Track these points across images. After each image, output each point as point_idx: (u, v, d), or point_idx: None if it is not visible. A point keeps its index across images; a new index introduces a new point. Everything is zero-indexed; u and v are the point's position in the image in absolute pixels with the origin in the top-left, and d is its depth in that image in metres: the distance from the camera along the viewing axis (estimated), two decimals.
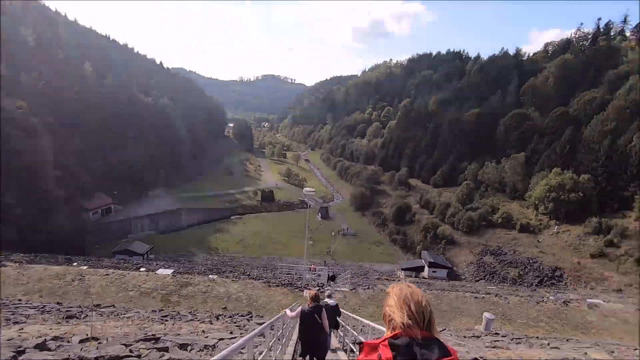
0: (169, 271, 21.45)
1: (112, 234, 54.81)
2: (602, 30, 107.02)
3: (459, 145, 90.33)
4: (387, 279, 38.81)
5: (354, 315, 9.26)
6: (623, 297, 32.66)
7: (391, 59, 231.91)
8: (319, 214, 73.75)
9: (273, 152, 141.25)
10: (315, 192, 35.27)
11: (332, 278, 26.75)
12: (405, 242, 59.72)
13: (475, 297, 21.83)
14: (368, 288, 20.31)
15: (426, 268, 48.16)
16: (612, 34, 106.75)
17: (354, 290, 18.98)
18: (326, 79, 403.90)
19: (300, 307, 7.05)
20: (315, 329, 6.68)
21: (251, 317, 13.25)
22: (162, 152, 78.72)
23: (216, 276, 20.15)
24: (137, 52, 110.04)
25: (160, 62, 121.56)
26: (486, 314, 16.07)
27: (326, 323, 6.79)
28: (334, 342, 11.13)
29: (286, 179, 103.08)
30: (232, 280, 19.31)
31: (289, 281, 19.37)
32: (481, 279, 44.93)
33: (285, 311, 8.07)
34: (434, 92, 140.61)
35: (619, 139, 56.50)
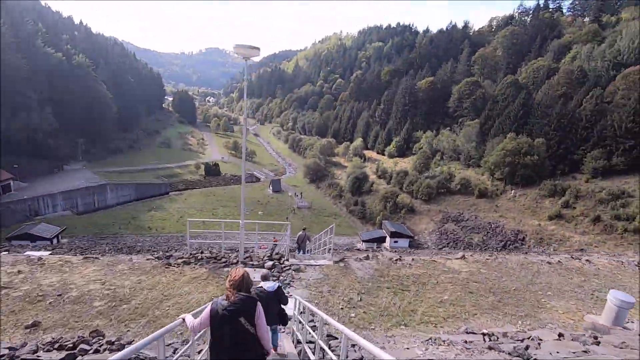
0: (46, 253, 14.59)
1: (12, 216, 44.33)
2: (541, 6, 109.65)
3: (413, 114, 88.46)
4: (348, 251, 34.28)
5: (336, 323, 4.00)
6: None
7: (341, 31, 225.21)
8: (270, 187, 67.70)
9: (219, 125, 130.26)
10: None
11: (302, 241, 20.07)
12: (364, 212, 56.19)
13: (549, 263, 14.26)
14: (365, 258, 11.48)
15: (388, 238, 44.86)
16: (550, 9, 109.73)
17: (340, 264, 10.64)
18: (275, 53, 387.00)
19: (211, 303, 3.46)
20: (239, 346, 3.32)
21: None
22: (81, 119, 66.41)
23: (81, 257, 11.36)
24: (44, 4, 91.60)
25: (81, 21, 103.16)
26: (616, 294, 8.48)
27: (263, 332, 3.45)
28: (287, 345, 6.47)
29: (233, 152, 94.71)
30: (94, 261, 10.73)
31: (213, 255, 10.85)
32: (444, 246, 42.69)
33: (184, 318, 4.03)
34: (385, 64, 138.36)
35: (569, 103, 56.96)
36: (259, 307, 3.47)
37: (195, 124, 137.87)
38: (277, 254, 11.71)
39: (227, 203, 58.36)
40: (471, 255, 14.02)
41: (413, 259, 12.45)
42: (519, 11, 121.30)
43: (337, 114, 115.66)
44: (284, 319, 5.92)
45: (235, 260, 10.67)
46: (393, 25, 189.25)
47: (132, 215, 50.16)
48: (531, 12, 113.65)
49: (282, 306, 5.84)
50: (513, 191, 52.01)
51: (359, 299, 9.31)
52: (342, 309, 8.73)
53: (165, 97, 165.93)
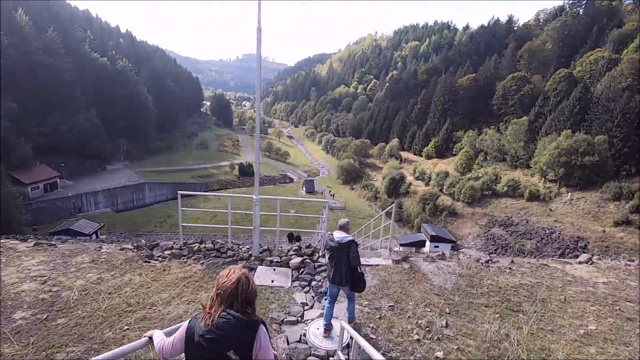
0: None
1: (57, 212, 46.19)
2: None
3: (453, 113, 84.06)
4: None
5: None
6: None
7: (376, 32, 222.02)
8: (304, 188, 66.48)
9: (253, 128, 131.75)
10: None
11: (296, 238, 19.64)
12: (401, 215, 53.31)
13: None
14: (440, 258, 8.36)
15: (427, 243, 41.74)
16: None
17: (404, 264, 7.46)
18: (309, 57, 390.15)
19: (189, 320, 2.24)
20: None
21: None
22: (124, 121, 68.99)
23: (31, 244, 7.75)
24: (94, 15, 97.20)
25: (127, 30, 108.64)
26: None
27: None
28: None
29: (267, 153, 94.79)
30: (47, 249, 7.48)
31: (217, 247, 7.90)
32: (492, 252, 38.96)
33: (151, 335, 2.60)
34: (423, 64, 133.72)
35: (636, 97, 50.80)
36: (262, 333, 2.09)
37: (232, 126, 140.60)
38: (308, 247, 8.23)
39: (261, 203, 57.67)
40: (599, 258, 10.00)
41: (513, 261, 8.09)
42: (570, 2, 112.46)
43: (371, 115, 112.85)
44: (357, 283, 4.71)
45: (247, 254, 7.42)
46: (430, 23, 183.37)
47: (168, 214, 50.76)
48: (584, 1, 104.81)
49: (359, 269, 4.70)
50: (570, 194, 46.96)
51: (444, 323, 5.40)
52: (417, 340, 4.97)
53: (204, 102, 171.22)
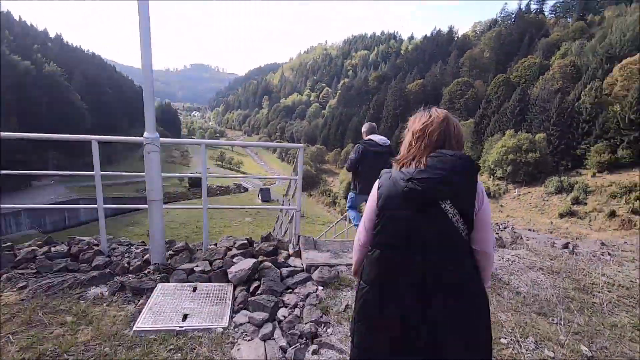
0: None
1: None
2: (523, 9, 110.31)
3: (403, 118, 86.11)
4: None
5: None
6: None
7: (326, 41, 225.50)
8: (259, 196, 63.70)
9: (204, 138, 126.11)
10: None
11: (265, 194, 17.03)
12: None
13: None
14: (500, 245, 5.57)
15: None
16: (533, 11, 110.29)
17: None
18: (260, 66, 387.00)
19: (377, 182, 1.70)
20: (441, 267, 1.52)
21: None
22: (52, 131, 61.50)
23: None
24: (16, 16, 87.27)
25: (57, 34, 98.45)
26: None
27: (488, 236, 1.61)
28: None
29: (219, 163, 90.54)
30: None
31: (75, 252, 4.07)
32: None
33: None
34: (372, 71, 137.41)
35: (567, 98, 55.12)
36: (482, 187, 1.58)
37: (180, 136, 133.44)
38: (267, 239, 4.70)
39: (212, 215, 53.95)
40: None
41: (604, 244, 5.68)
42: (502, 15, 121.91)
43: (325, 121, 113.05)
44: None
45: (138, 262, 3.91)
46: (378, 33, 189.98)
47: (107, 232, 45.31)
48: (514, 15, 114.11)
49: None
50: (517, 190, 49.25)
51: None
52: None
53: None
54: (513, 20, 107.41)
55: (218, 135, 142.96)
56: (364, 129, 5.14)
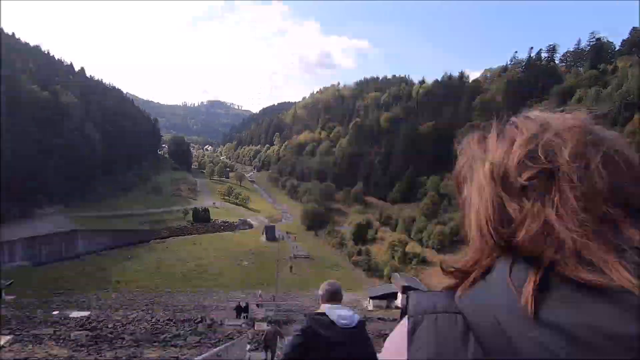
0: None
1: None
2: (533, 57, 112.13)
3: (415, 159, 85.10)
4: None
5: None
6: None
7: (339, 82, 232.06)
8: (264, 235, 61.34)
9: (213, 171, 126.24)
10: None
11: (244, 309, 16.08)
12: (368, 263, 49.52)
13: None
14: None
15: (399, 295, 37.94)
16: (543, 59, 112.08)
17: None
18: (273, 104, 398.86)
19: None
20: None
21: None
22: (61, 160, 61.76)
23: None
24: (44, 49, 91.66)
25: (82, 68, 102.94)
26: None
27: None
28: None
29: (226, 197, 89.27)
30: None
31: None
32: None
33: None
34: (384, 112, 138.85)
35: None
36: None
37: (190, 169, 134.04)
38: None
39: (213, 252, 51.66)
40: None
41: None
42: (513, 62, 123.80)
43: (336, 160, 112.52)
44: None
45: None
46: (389, 77, 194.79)
47: (101, 267, 43.25)
48: (524, 63, 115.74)
49: None
50: None
51: None
52: None
53: (163, 145, 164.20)
54: (524, 67, 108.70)
55: (228, 169, 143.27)
56: (321, 290, 2.66)
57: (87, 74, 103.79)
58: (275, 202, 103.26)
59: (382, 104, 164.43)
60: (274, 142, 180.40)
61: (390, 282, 41.92)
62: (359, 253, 52.33)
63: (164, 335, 14.68)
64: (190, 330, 15.14)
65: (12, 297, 32.76)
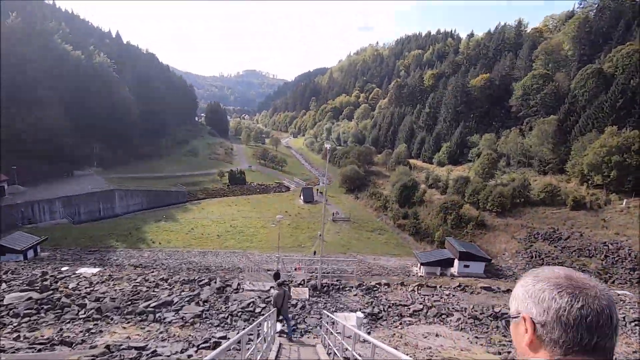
0: None
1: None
2: None
3: (466, 117, 76.68)
4: (401, 283, 23.45)
5: None
6: None
7: (377, 42, 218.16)
8: (301, 197, 58.12)
9: (249, 136, 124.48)
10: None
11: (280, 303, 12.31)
12: (416, 227, 44.69)
13: None
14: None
15: (456, 262, 33.18)
16: None
17: None
18: (309, 71, 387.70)
19: None
20: None
21: None
22: (101, 123, 61.26)
23: None
24: (78, 14, 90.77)
25: (117, 32, 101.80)
26: None
27: None
28: None
29: (262, 161, 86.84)
30: None
31: None
32: None
33: None
34: (427, 71, 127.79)
35: None
36: None
37: (227, 136, 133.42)
38: None
39: (249, 214, 49.27)
40: None
41: None
42: (582, 6, 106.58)
43: (375, 122, 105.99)
44: None
45: None
46: (433, 32, 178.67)
47: (136, 226, 42.21)
48: (596, 4, 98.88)
49: None
50: (625, 201, 38.53)
51: None
52: None
53: (201, 115, 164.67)
54: (596, 9, 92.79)
55: (264, 136, 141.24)
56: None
57: (124, 41, 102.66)
58: (312, 166, 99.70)
59: (425, 62, 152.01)
60: (310, 107, 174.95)
61: (443, 248, 37.12)
62: (405, 216, 47.52)
63: (145, 303, 11.56)
64: (188, 298, 11.98)
65: (46, 253, 32.07)
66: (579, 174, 45.14)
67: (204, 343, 8.57)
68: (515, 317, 1.02)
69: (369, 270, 31.66)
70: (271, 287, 13.10)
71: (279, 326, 10.29)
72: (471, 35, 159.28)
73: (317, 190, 64.86)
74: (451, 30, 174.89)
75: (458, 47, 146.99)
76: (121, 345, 7.91)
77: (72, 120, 55.75)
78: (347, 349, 5.11)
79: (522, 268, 32.34)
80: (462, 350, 8.62)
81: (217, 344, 8.23)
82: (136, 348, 7.80)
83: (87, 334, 9.03)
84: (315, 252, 34.05)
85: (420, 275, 32.37)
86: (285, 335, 9.89)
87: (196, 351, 7.98)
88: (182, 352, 7.93)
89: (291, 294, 12.63)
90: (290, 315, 10.34)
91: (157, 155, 76.37)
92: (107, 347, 7.67)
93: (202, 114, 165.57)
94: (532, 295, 0.97)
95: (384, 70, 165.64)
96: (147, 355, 7.34)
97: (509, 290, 13.87)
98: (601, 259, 29.95)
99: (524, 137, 61.14)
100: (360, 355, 4.51)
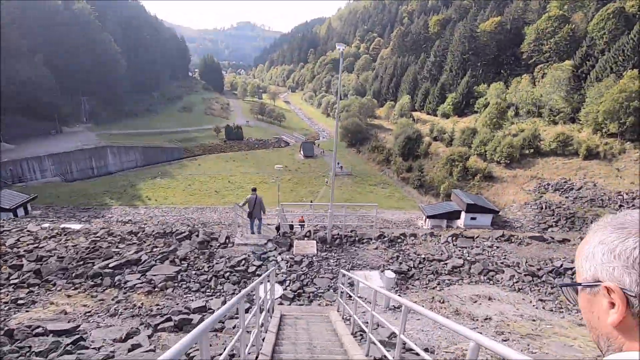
0: None
1: None
2: None
3: (473, 65, 72.38)
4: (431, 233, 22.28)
5: None
6: None
7: None
8: (301, 151, 56.27)
9: (245, 91, 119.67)
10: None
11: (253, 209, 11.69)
12: (421, 180, 43.26)
13: None
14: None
15: (462, 214, 32.11)
16: None
17: None
18: (306, 22, 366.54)
19: None
20: None
21: None
22: (84, 77, 57.61)
23: None
24: None
25: None
26: None
27: None
28: None
29: (260, 116, 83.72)
30: None
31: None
32: (551, 225, 29.25)
33: None
34: (432, 17, 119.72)
35: None
36: None
37: (222, 91, 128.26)
38: None
39: (247, 169, 47.69)
40: None
41: None
42: None
43: (376, 74, 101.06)
44: None
45: None
46: None
47: (131, 183, 40.78)
48: None
49: None
50: None
51: None
52: None
53: (195, 70, 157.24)
54: None
55: (261, 90, 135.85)
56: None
57: None
58: (312, 120, 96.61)
59: (430, 7, 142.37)
60: (308, 60, 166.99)
61: (449, 200, 35.92)
62: (409, 169, 45.96)
63: (104, 263, 8.86)
64: (161, 255, 9.44)
65: (38, 212, 30.87)
66: (592, 123, 42.86)
67: (166, 321, 6.44)
68: (591, 286, 0.72)
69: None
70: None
71: (279, 289, 8.90)
72: None
73: (318, 144, 62.83)
74: None
75: None
76: (37, 327, 5.57)
77: (54, 73, 52.22)
78: (378, 325, 3.55)
79: (530, 219, 31.30)
80: (534, 320, 6.92)
81: (184, 323, 6.32)
82: (57, 333, 5.52)
83: (11, 307, 7.04)
84: (312, 202, 32.86)
85: (426, 229, 31.44)
86: (281, 294, 8.76)
87: (150, 335, 5.63)
88: (126, 338, 5.47)
89: (294, 248, 11.22)
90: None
91: (149, 111, 73.25)
92: (10, 333, 5.28)
93: (196, 70, 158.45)
94: (620, 255, 0.67)
95: (386, 18, 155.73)
96: (67, 346, 4.99)
97: (565, 241, 12.07)
98: (615, 209, 28.85)
99: (535, 85, 57.99)
100: (405, 334, 2.95)
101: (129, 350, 4.93)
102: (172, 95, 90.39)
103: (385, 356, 3.41)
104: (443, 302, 7.81)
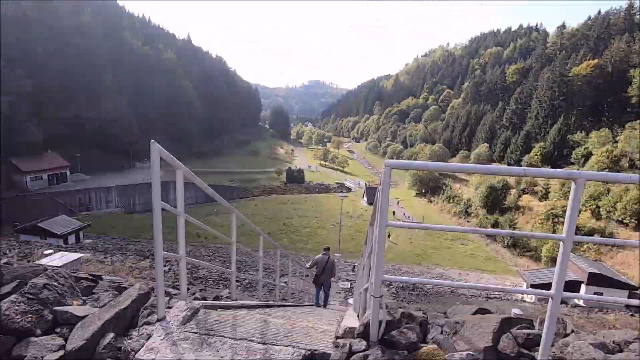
0: None
1: (55, 208, 36.97)
2: None
3: (565, 112, 63.73)
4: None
5: None
6: None
7: (448, 43, 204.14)
8: (365, 198, 51.37)
9: (311, 139, 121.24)
10: None
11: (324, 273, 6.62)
12: (514, 238, 35.18)
13: None
14: None
15: (583, 286, 23.84)
16: None
17: None
18: (372, 79, 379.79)
19: None
20: None
21: None
22: (163, 117, 61.33)
23: None
24: (147, 18, 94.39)
25: (188, 37, 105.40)
26: None
27: None
28: None
29: (323, 162, 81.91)
30: None
31: None
32: None
33: None
34: (509, 66, 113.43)
35: None
36: None
37: (288, 139, 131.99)
38: None
39: (305, 213, 43.88)
40: None
41: None
42: None
43: (447, 123, 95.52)
44: None
45: None
46: (514, 28, 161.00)
47: (186, 220, 39.07)
48: None
49: None
50: None
51: None
52: None
53: (266, 121, 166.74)
54: None
55: (325, 140, 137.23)
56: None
57: (194, 44, 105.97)
58: (375, 169, 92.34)
59: (505, 59, 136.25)
60: (374, 112, 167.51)
61: (555, 266, 27.58)
62: (495, 224, 38.18)
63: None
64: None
65: (89, 240, 29.70)
66: None
67: None
68: None
69: (450, 291, 23.88)
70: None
71: None
72: (562, 26, 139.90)
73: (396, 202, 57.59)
74: (536, 24, 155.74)
75: (546, 40, 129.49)
76: None
77: (134, 113, 56.02)
78: None
79: None
80: None
81: None
82: None
83: None
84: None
85: (529, 302, 23.65)
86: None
87: None
88: None
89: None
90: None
91: (218, 153, 75.48)
92: None
93: (266, 121, 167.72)
94: None
95: (456, 70, 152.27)
96: None
97: None
98: None
99: None
100: None
101: None
102: (241, 140, 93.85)
103: None
104: None
